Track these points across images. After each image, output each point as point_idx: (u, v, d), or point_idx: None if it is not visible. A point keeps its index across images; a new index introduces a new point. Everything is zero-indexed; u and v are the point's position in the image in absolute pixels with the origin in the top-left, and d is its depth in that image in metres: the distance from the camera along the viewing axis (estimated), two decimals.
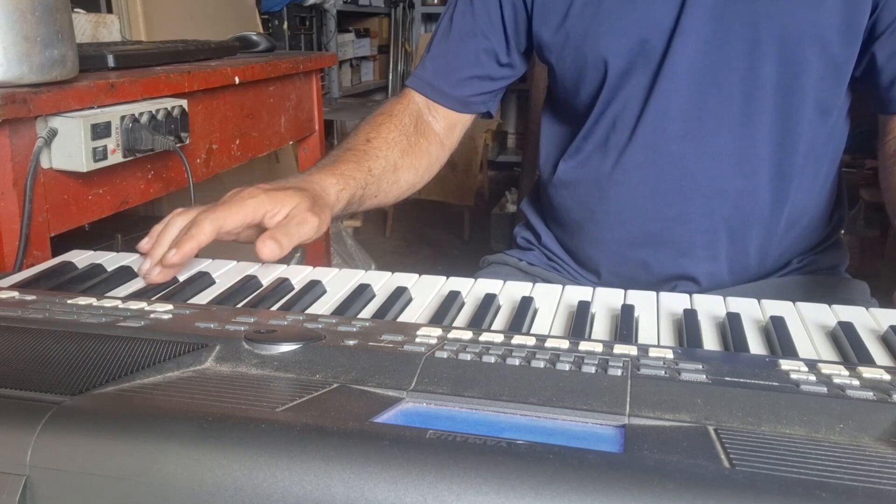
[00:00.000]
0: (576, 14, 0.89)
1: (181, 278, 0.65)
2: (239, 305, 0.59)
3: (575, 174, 0.96)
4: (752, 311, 0.59)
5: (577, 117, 0.96)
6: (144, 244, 0.69)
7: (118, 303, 0.52)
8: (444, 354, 0.43)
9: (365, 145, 0.92)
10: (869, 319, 0.57)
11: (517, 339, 0.46)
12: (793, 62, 0.84)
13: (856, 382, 0.40)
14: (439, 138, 1.02)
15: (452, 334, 0.47)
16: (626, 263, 0.94)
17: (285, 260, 0.69)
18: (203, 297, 0.62)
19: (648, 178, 0.89)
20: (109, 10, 1.57)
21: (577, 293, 0.62)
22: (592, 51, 0.88)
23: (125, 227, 1.32)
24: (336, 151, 0.91)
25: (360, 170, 0.88)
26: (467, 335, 0.47)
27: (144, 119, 0.94)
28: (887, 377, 0.41)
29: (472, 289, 0.64)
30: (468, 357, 0.42)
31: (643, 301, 0.61)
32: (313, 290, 0.62)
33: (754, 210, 0.89)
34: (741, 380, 0.40)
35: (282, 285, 0.63)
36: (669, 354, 0.44)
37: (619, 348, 0.45)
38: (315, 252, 1.67)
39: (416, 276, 0.66)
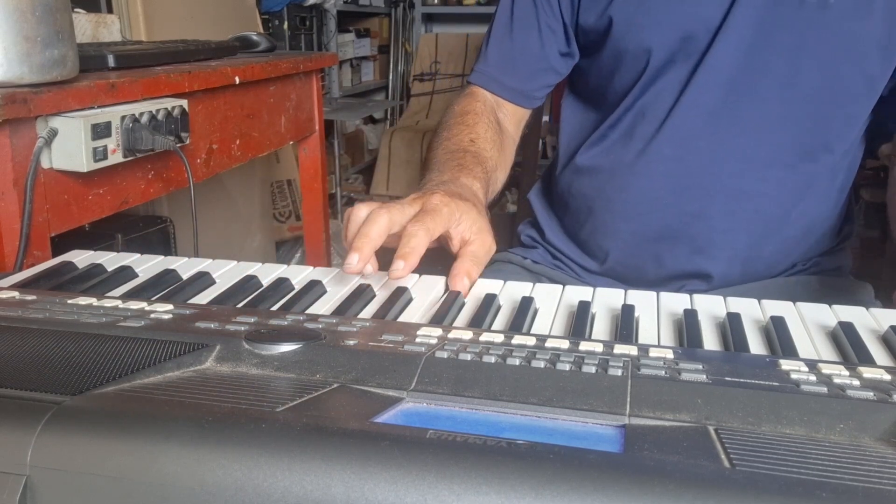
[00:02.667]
0: (621, 0, 0.88)
1: (183, 277, 0.65)
2: (239, 305, 0.59)
3: (597, 161, 0.95)
4: (752, 311, 0.59)
5: (606, 105, 0.95)
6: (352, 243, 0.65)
7: (118, 303, 0.52)
8: (445, 354, 0.42)
9: (473, 146, 0.90)
10: (869, 319, 0.57)
11: (517, 339, 0.46)
12: (831, 73, 0.83)
13: (856, 382, 0.40)
14: (511, 135, 1.00)
15: (452, 334, 0.47)
16: (638, 256, 0.93)
17: (285, 260, 0.69)
18: (203, 297, 0.62)
19: (672, 172, 0.89)
20: (109, 10, 1.58)
21: (578, 293, 0.62)
22: (635, 40, 0.87)
23: (125, 227, 1.32)
24: (448, 154, 0.88)
25: (484, 172, 0.87)
26: (467, 335, 0.47)
27: (145, 119, 0.94)
28: (887, 377, 0.41)
29: (472, 289, 0.64)
30: (468, 357, 0.42)
31: (643, 301, 0.61)
32: (313, 290, 0.62)
33: (775, 215, 0.89)
34: (741, 380, 0.40)
35: (282, 285, 0.63)
36: (669, 354, 0.44)
37: (620, 348, 0.45)
38: (315, 252, 1.67)
39: (416, 276, 0.66)
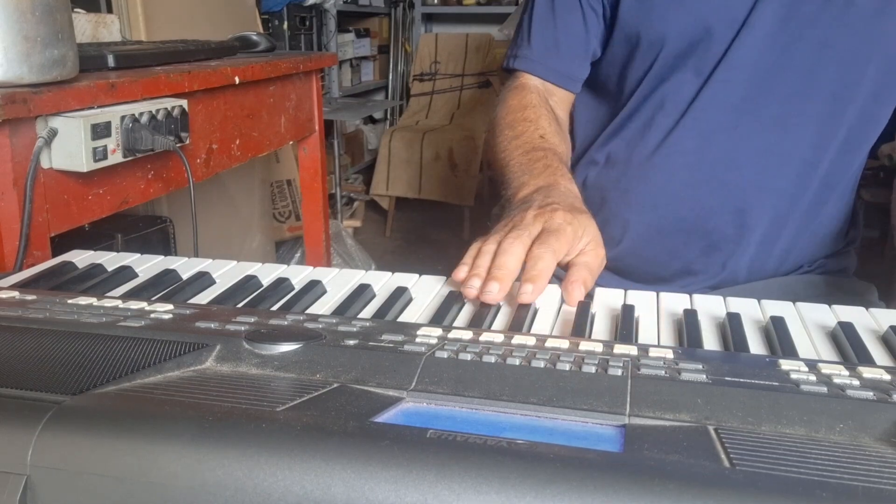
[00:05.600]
0: None
1: (183, 277, 0.65)
2: (239, 305, 0.59)
3: (614, 152, 0.94)
4: (752, 311, 0.59)
5: (622, 95, 0.94)
6: (464, 274, 0.63)
7: (118, 303, 0.52)
8: (445, 354, 0.43)
9: (545, 143, 0.87)
10: (869, 319, 0.57)
11: (517, 339, 0.46)
12: (855, 71, 0.83)
13: (856, 382, 0.40)
14: (565, 123, 0.98)
15: (452, 334, 0.47)
16: (650, 249, 0.93)
17: (285, 260, 0.68)
18: (203, 297, 0.62)
19: (692, 165, 0.88)
20: (109, 10, 1.57)
21: None
22: (655, 25, 0.86)
23: (125, 227, 1.32)
24: (526, 154, 0.85)
25: (568, 170, 0.84)
26: (467, 335, 0.47)
27: (144, 119, 0.94)
28: (887, 377, 0.41)
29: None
30: (468, 357, 0.42)
31: (643, 301, 0.61)
32: (313, 290, 0.62)
33: (791, 213, 0.88)
34: (741, 380, 0.40)
35: (282, 285, 0.63)
36: (669, 354, 0.44)
37: (620, 348, 0.45)
38: (315, 252, 1.67)
39: (416, 276, 0.66)
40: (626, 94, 0.93)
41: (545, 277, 0.61)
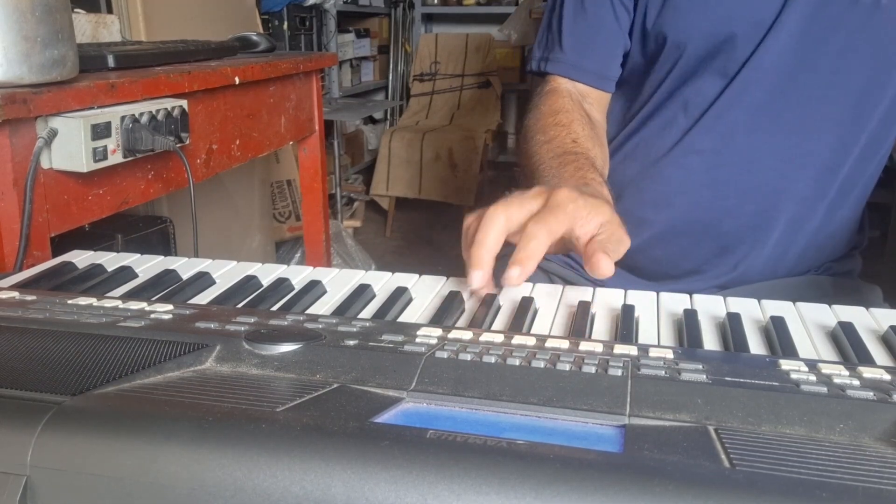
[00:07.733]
0: None
1: (183, 277, 0.65)
2: (239, 305, 0.59)
3: (632, 149, 0.93)
4: (752, 311, 0.59)
5: (643, 94, 0.93)
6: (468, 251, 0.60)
7: (118, 303, 0.52)
8: (445, 354, 0.42)
9: (576, 147, 0.85)
10: (869, 319, 0.57)
11: (517, 339, 0.46)
12: (879, 75, 0.82)
13: (856, 382, 0.40)
14: (602, 125, 0.95)
15: (452, 334, 0.47)
16: (663, 248, 0.92)
17: (285, 260, 0.68)
18: (203, 297, 0.62)
19: (710, 166, 0.87)
20: (109, 10, 1.57)
21: (578, 293, 0.62)
22: (679, 28, 0.85)
23: (125, 228, 1.32)
24: (556, 158, 0.82)
25: (599, 173, 0.81)
26: (467, 335, 0.47)
27: (144, 119, 0.94)
28: (887, 377, 0.41)
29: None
30: (468, 357, 0.42)
31: (643, 301, 0.61)
32: (313, 290, 0.62)
33: (809, 217, 0.88)
34: (741, 380, 0.40)
35: (282, 285, 0.63)
36: (669, 354, 0.44)
37: (620, 348, 0.45)
38: (315, 252, 1.67)
39: (416, 276, 0.66)
40: (646, 94, 0.92)
41: (535, 259, 0.57)
